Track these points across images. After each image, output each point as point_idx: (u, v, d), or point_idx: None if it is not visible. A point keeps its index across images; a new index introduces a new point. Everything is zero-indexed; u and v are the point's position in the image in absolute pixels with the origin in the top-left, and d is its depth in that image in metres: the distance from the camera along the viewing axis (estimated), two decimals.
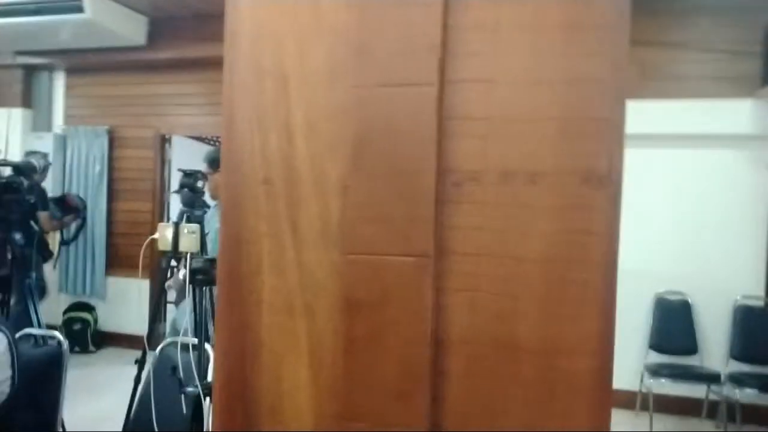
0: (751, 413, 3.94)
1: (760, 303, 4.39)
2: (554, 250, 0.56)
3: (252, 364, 0.61)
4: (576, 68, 0.54)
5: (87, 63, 4.43)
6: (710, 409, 4.00)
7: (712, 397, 3.94)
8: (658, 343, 4.40)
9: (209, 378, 1.40)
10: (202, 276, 1.51)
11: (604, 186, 0.55)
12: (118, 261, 4.54)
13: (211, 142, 4.91)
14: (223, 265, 0.63)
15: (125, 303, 4.61)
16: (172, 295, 2.57)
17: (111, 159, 4.56)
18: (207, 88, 4.30)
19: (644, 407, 3.96)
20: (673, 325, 4.48)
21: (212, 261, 1.53)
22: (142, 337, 2.05)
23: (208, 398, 1.38)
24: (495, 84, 0.56)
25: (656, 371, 3.87)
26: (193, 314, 1.58)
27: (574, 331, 0.56)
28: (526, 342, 0.56)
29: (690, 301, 4.44)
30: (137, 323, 4.27)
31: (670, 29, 4.39)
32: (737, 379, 3.90)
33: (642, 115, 3.99)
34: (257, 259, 0.62)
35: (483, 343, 0.57)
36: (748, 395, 3.78)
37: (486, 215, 0.57)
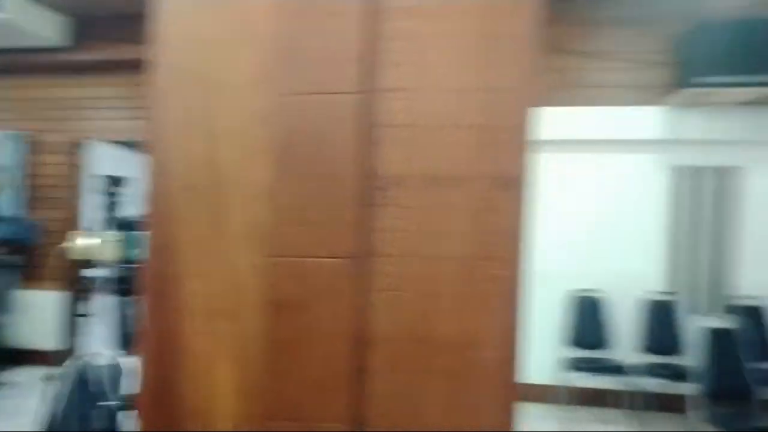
0: (659, 402, 4.23)
1: (663, 297, 4.71)
2: (470, 249, 0.59)
3: (177, 368, 0.61)
4: (491, 78, 0.58)
5: (4, 64, 4.17)
6: (622, 399, 4.25)
7: (623, 387, 4.19)
8: (574, 339, 4.63)
9: (126, 390, 1.36)
10: (123, 285, 1.47)
11: (513, 189, 0.59)
12: (29, 272, 4.30)
13: (133, 147, 4.73)
14: (148, 272, 0.62)
15: (36, 317, 4.36)
16: (85, 307, 2.47)
17: (28, 165, 4.32)
18: (130, 92, 4.15)
19: (564, 400, 4.16)
20: (587, 321, 4.73)
21: (133, 269, 1.49)
22: (54, 353, 1.95)
23: (124, 411, 1.34)
24: (417, 92, 0.59)
25: (572, 365, 4.08)
26: (111, 325, 1.53)
27: (487, 324, 0.59)
28: (444, 336, 0.60)
29: (602, 297, 4.71)
30: (49, 338, 4.05)
31: (586, 39, 4.64)
32: (645, 370, 4.17)
33: (560, 121, 4.20)
34: (182, 265, 0.62)
35: (404, 340, 0.60)
36: (655, 384, 4.05)
37: (409, 218, 0.60)
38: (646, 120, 4.64)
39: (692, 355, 4.13)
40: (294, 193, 0.60)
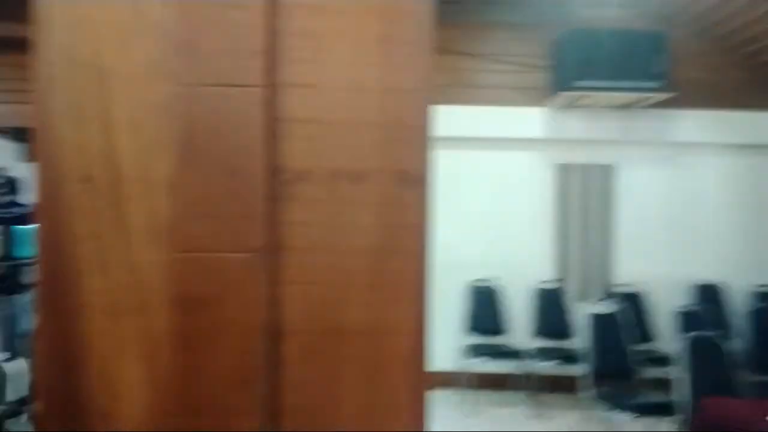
0: (552, 383, 4.50)
1: (553, 285, 5.02)
2: (376, 242, 0.61)
3: (78, 369, 0.58)
4: (391, 79, 0.61)
5: None
6: (519, 382, 4.50)
7: (520, 371, 4.43)
8: (473, 326, 4.83)
9: (12, 396, 1.26)
10: (7, 283, 1.37)
11: (417, 185, 0.62)
12: None
13: (7, 135, 4.34)
14: (42, 269, 0.59)
15: None
16: None
17: None
18: (12, 74, 3.81)
19: (467, 385, 4.34)
20: (485, 310, 4.95)
21: (19, 266, 1.39)
22: None
23: (11, 418, 1.25)
24: (320, 89, 0.61)
25: (473, 352, 4.27)
26: None
27: (395, 313, 0.62)
28: (354, 326, 0.62)
29: (498, 286, 4.94)
30: None
31: (474, 41, 4.84)
32: (539, 354, 4.43)
33: (451, 119, 4.36)
34: (80, 261, 0.60)
35: (316, 331, 0.61)
36: (548, 367, 4.32)
37: (316, 212, 0.61)
38: (531, 120, 4.92)
39: (580, 339, 4.44)
40: (198, 186, 0.59)
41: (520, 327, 5.00)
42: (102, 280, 0.60)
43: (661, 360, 4.60)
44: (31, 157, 0.59)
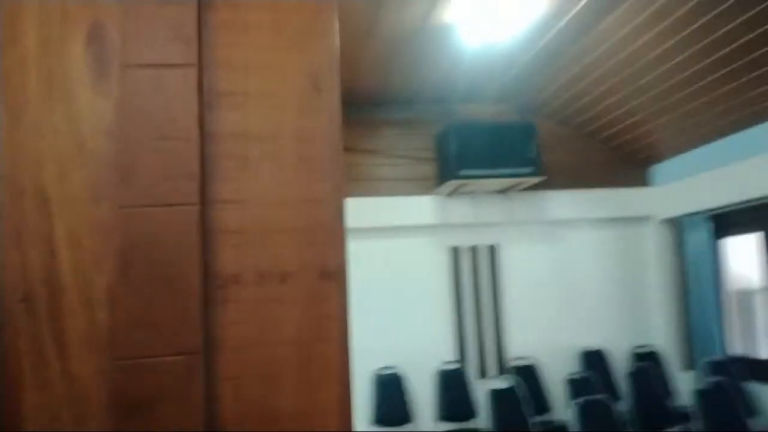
0: None
1: (453, 366, 5.15)
2: (303, 334, 0.70)
3: None
4: (309, 192, 0.71)
5: None
6: None
7: None
8: (377, 416, 4.79)
9: None
10: None
11: (335, 279, 0.72)
12: None
13: None
14: None
15: None
16: None
17: None
18: None
19: None
20: (389, 398, 4.95)
21: None
22: None
23: None
24: (247, 204, 0.70)
25: None
26: None
27: (322, 398, 0.69)
28: (285, 412, 0.68)
29: (401, 373, 4.99)
30: None
31: (369, 138, 5.16)
32: None
33: (353, 211, 4.55)
34: (20, 377, 0.62)
35: (252, 420, 0.67)
36: None
37: (247, 311, 0.68)
38: (423, 207, 5.22)
39: (483, 417, 4.55)
40: (138, 296, 0.65)
41: (425, 412, 5.04)
42: (39, 394, 0.63)
43: (559, 429, 4.80)
44: None
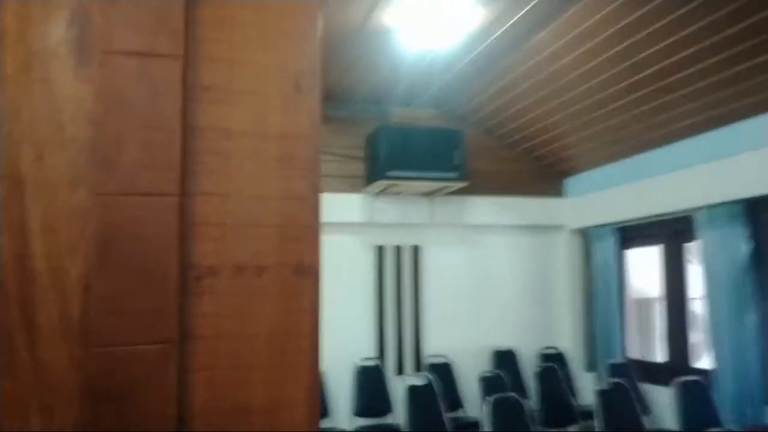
0: None
1: (372, 363, 5.23)
2: (277, 327, 0.72)
3: None
4: (288, 189, 0.73)
5: None
6: None
7: None
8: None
9: None
10: None
11: (309, 275, 0.74)
12: None
13: None
14: None
15: None
16: None
17: None
18: None
19: None
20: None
21: None
22: None
23: None
24: (227, 197, 0.71)
25: None
26: None
27: (293, 389, 0.72)
28: (257, 403, 0.70)
29: (322, 369, 5.00)
30: None
31: None
32: None
33: None
34: None
35: (223, 411, 0.68)
36: None
37: (223, 303, 0.70)
38: (352, 205, 5.25)
39: (400, 412, 4.65)
40: (113, 285, 0.65)
41: (342, 408, 5.08)
42: (11, 382, 0.61)
43: (472, 424, 4.98)
44: None
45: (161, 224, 0.68)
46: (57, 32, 0.67)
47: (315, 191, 0.75)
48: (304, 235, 0.74)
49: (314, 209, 0.75)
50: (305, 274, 0.74)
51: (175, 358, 0.67)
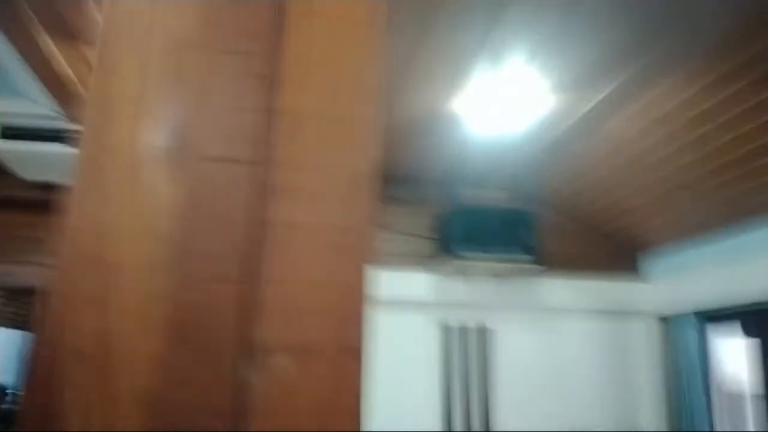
0: None
1: None
2: (324, 407, 0.75)
3: None
4: (344, 276, 0.79)
5: None
6: None
7: None
8: None
9: None
10: None
11: (359, 358, 0.78)
12: None
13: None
14: None
15: None
16: None
17: None
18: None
19: None
20: None
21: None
22: None
23: None
24: (289, 285, 0.77)
25: None
26: None
27: None
28: None
29: None
30: None
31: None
32: None
33: None
34: (64, 428, 0.67)
35: None
36: None
37: (274, 382, 0.74)
38: (419, 284, 5.26)
39: None
40: (182, 362, 0.72)
41: None
42: None
43: None
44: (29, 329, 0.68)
45: (223, 307, 0.74)
46: (157, 142, 0.78)
47: (368, 278, 0.80)
48: (354, 319, 0.78)
49: (366, 296, 0.80)
50: (355, 357, 0.78)
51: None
